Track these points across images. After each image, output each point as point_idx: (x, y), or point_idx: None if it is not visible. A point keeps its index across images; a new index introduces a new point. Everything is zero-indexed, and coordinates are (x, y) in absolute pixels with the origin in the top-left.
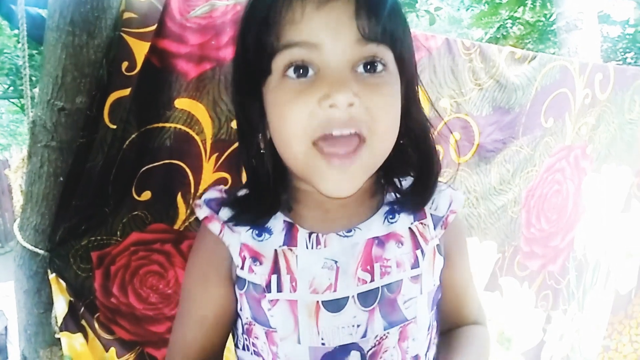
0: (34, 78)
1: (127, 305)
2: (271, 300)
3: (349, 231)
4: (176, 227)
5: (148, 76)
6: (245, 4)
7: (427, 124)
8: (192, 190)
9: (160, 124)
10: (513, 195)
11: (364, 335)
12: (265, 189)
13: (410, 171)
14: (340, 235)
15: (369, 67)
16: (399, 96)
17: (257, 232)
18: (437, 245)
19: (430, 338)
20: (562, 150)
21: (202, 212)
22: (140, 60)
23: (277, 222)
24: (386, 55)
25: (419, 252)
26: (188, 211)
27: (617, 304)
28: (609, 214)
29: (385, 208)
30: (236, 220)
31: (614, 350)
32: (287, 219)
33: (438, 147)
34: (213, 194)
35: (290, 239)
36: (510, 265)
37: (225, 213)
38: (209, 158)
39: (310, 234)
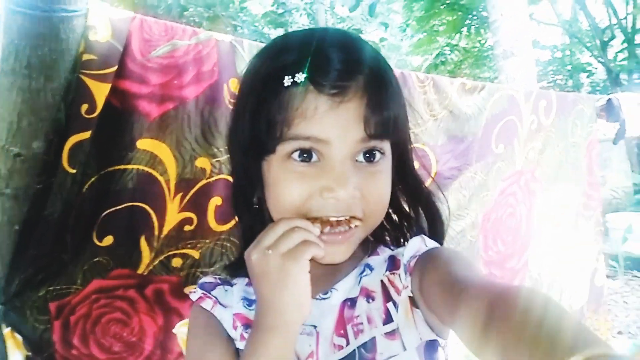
0: None
1: (89, 357)
2: None
3: (326, 293)
4: (140, 271)
5: (109, 118)
6: (255, 74)
7: (423, 186)
8: (157, 233)
9: (122, 166)
10: (471, 220)
11: None
12: None
13: (408, 231)
14: (318, 299)
15: (367, 155)
16: (390, 176)
17: (247, 302)
18: (411, 297)
19: None
20: (513, 175)
21: (195, 295)
22: (100, 102)
23: None
24: (385, 145)
25: (390, 304)
26: (152, 254)
27: None
28: (560, 234)
29: (360, 268)
30: (232, 272)
31: None
32: None
33: None
34: (208, 279)
35: None
36: None
37: (218, 292)
38: (174, 198)
39: None
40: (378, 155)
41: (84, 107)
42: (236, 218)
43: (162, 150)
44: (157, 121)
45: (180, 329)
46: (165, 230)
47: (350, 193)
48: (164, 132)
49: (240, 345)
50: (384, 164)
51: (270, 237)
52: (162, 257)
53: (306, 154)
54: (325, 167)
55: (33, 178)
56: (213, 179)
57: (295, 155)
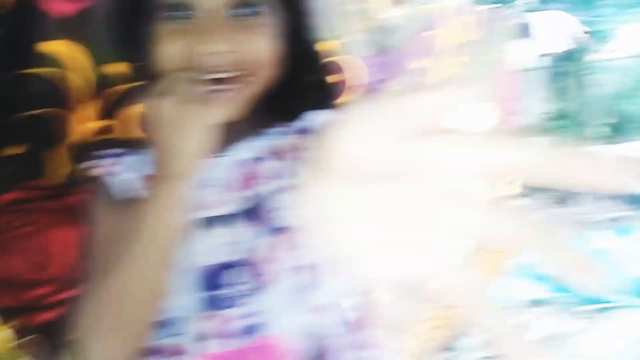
0: None
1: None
2: None
3: (225, 151)
4: (53, 182)
5: (10, 16)
6: None
7: (316, 53)
8: (70, 142)
9: (26, 70)
10: None
11: None
12: None
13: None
14: (219, 156)
15: (240, 8)
16: (275, 32)
17: None
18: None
19: None
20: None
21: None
22: None
23: None
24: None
25: (293, 162)
26: (65, 165)
27: None
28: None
29: (261, 134)
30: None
31: None
32: None
33: None
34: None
35: None
36: None
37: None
38: (86, 105)
39: None
40: (253, 9)
41: None
42: None
43: (70, 54)
44: (65, 21)
45: None
46: (79, 138)
47: (224, 48)
48: (72, 33)
49: None
50: (264, 20)
51: (174, 87)
52: (76, 168)
53: (179, 9)
54: (198, 20)
55: None
56: (126, 86)
57: (169, 11)
